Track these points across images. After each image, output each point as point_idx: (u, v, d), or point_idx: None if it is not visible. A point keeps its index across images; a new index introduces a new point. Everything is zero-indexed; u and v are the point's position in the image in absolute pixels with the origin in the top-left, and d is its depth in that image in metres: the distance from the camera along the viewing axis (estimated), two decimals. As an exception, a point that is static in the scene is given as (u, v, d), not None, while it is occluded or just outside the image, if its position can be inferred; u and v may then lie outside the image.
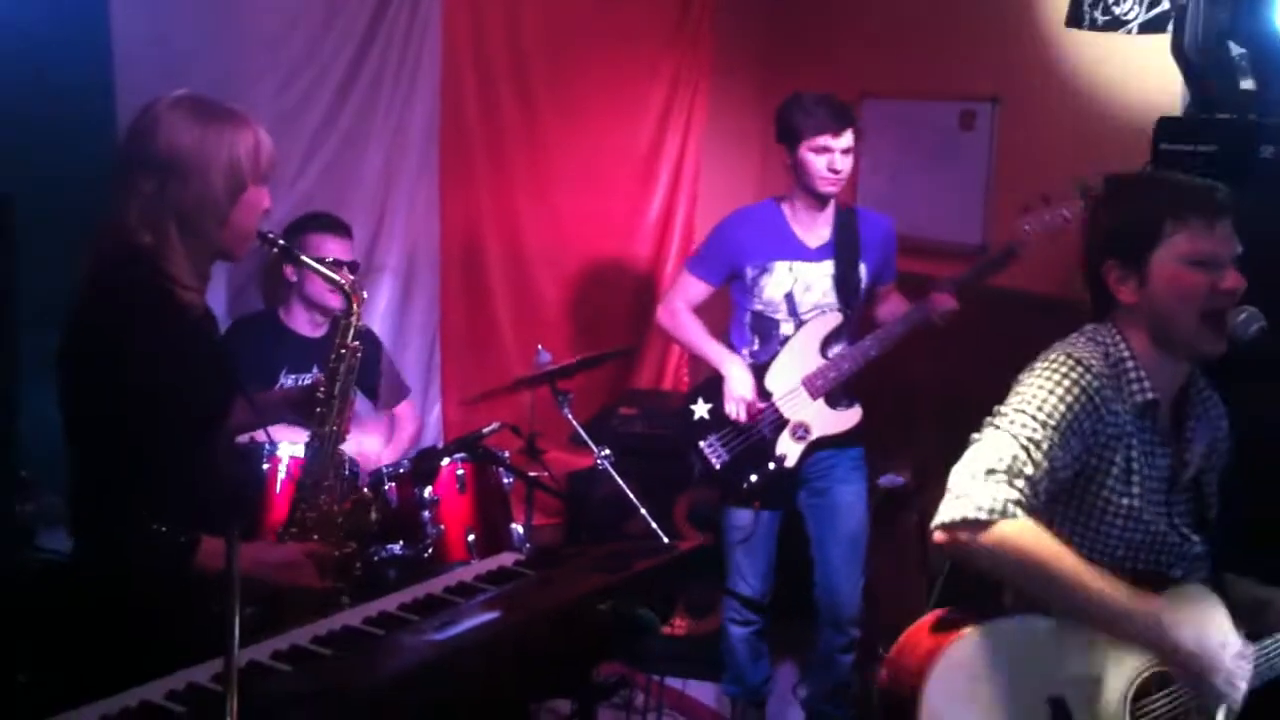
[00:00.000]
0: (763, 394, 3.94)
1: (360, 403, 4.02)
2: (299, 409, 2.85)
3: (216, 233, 2.48)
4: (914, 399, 4.66)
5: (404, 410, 4.33)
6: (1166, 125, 3.25)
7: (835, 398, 3.96)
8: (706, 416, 3.99)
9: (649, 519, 3.61)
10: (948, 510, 2.23)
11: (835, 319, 3.95)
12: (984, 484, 2.20)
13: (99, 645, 2.43)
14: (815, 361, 3.93)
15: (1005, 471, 2.21)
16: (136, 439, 2.38)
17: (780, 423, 3.93)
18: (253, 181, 2.49)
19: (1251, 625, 2.36)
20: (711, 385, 4.01)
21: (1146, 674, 2.29)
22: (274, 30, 4.30)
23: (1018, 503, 2.19)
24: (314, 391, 2.79)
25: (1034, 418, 2.25)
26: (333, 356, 2.77)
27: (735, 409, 3.90)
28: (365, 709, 1.97)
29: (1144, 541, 2.35)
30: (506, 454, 3.87)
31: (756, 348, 4.02)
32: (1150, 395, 2.33)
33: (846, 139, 3.85)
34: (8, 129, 3.43)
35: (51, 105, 3.61)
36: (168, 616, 2.37)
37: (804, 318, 3.94)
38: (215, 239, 2.49)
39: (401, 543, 3.63)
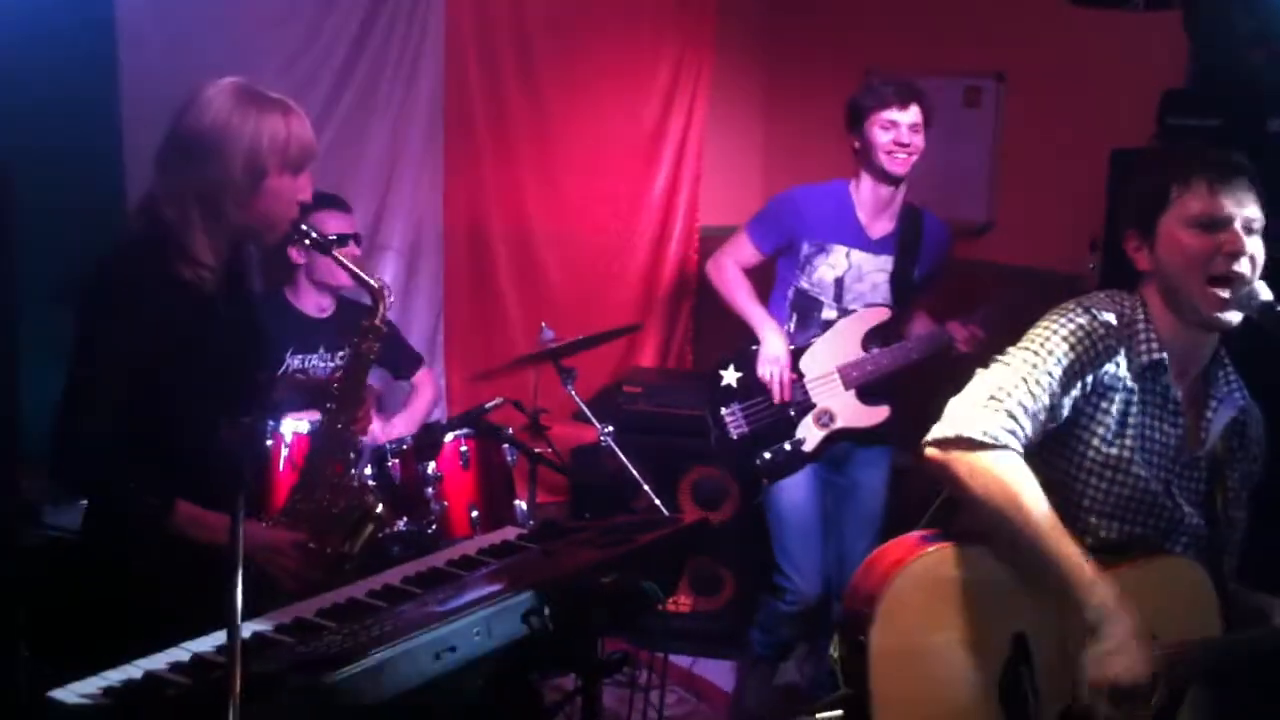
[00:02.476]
0: (795, 372, 3.88)
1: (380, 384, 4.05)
2: (312, 399, 2.86)
3: (237, 215, 2.51)
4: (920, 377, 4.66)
5: (423, 378, 4.30)
6: (1172, 99, 3.24)
7: (867, 392, 3.89)
8: (734, 385, 3.91)
9: (651, 495, 3.60)
10: (944, 427, 2.23)
11: (884, 314, 3.87)
12: (984, 410, 2.21)
13: (102, 617, 2.45)
14: (855, 352, 3.85)
15: (1005, 401, 2.22)
16: (120, 402, 2.45)
17: (806, 405, 3.87)
18: (277, 170, 2.51)
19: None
20: (744, 355, 3.92)
21: None
22: (277, 9, 4.29)
23: (1013, 434, 2.20)
24: (329, 386, 2.80)
25: (1037, 353, 2.26)
26: (349, 354, 2.80)
27: (769, 371, 3.84)
28: (369, 681, 1.97)
29: (1135, 500, 2.34)
30: (510, 430, 3.87)
31: (794, 327, 3.94)
32: (1156, 355, 2.32)
33: (913, 114, 3.76)
34: (10, 107, 3.42)
35: (54, 85, 3.60)
36: (171, 589, 2.38)
37: (848, 306, 3.88)
38: (236, 221, 2.52)
39: (405, 519, 3.63)
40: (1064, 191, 4.27)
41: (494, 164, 4.94)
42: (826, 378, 3.85)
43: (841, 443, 3.91)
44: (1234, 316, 2.28)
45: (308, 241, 2.68)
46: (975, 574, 2.25)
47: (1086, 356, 2.28)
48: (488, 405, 3.76)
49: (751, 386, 3.89)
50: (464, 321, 4.96)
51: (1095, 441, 2.33)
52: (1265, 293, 2.26)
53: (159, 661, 1.94)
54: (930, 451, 2.24)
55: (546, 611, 2.17)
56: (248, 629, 2.04)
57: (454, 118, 4.82)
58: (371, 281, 2.80)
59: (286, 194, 2.55)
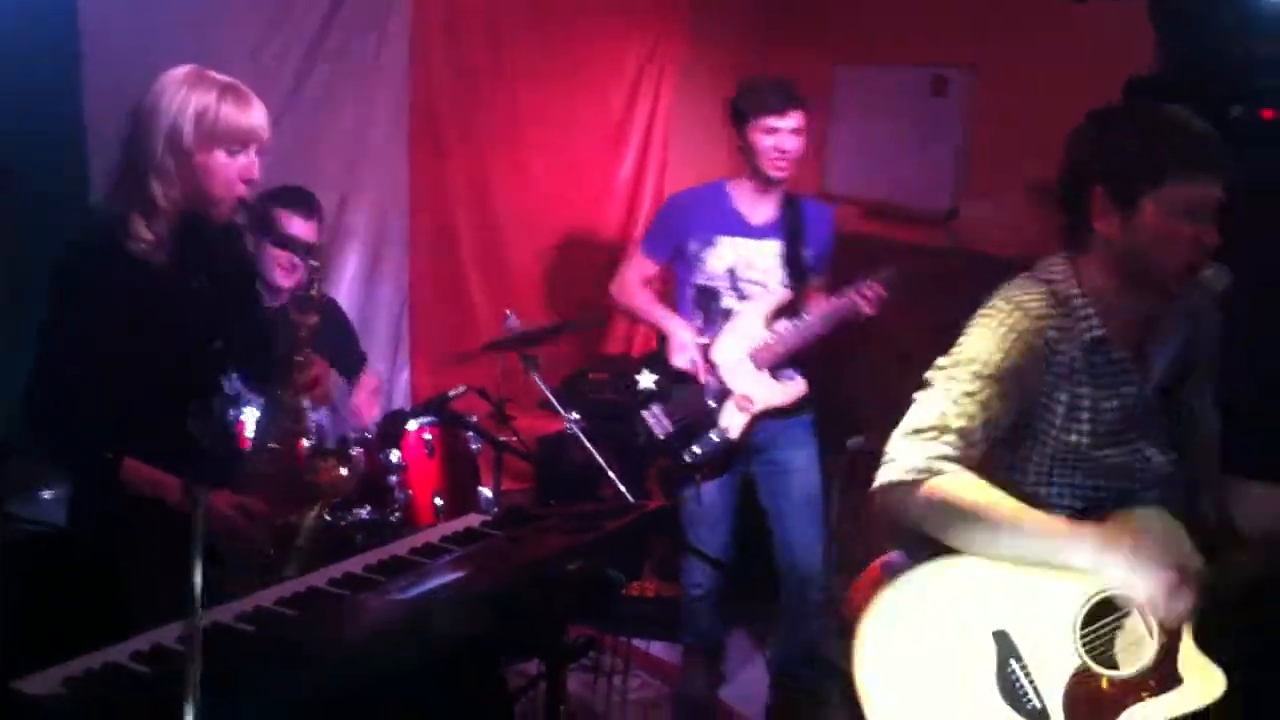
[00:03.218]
0: (708, 365, 3.95)
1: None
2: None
3: (168, 192, 2.58)
4: (862, 364, 4.68)
5: (363, 381, 4.27)
6: (1136, 86, 3.25)
7: (779, 371, 3.98)
8: (653, 386, 4.01)
9: (617, 482, 3.59)
10: (880, 475, 2.24)
11: (782, 294, 3.97)
12: (910, 445, 2.21)
13: (72, 607, 2.48)
14: (761, 335, 3.94)
15: (932, 429, 2.21)
16: (79, 370, 2.57)
17: (724, 394, 3.94)
18: (204, 147, 2.57)
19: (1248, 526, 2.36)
20: (656, 357, 4.05)
21: (1096, 599, 2.28)
22: (241, -1, 4.25)
23: (945, 457, 2.19)
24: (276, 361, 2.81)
25: (969, 369, 2.24)
26: (288, 327, 2.81)
27: (685, 359, 3.93)
28: (330, 668, 1.96)
29: (1102, 472, 2.33)
30: (475, 418, 3.86)
31: (701, 323, 4.04)
32: (1098, 332, 2.30)
33: (793, 119, 3.86)
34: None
35: (17, 76, 3.57)
36: (132, 576, 2.38)
37: (746, 293, 3.96)
38: (169, 198, 2.59)
39: (369, 508, 3.61)
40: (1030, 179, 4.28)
41: (459, 152, 4.91)
42: (739, 364, 3.94)
43: (765, 428, 3.99)
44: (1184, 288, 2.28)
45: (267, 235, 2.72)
46: (944, 588, 2.28)
47: (1024, 358, 2.25)
48: (451, 393, 3.74)
49: (669, 386, 3.99)
50: (429, 310, 4.93)
51: (1054, 431, 2.31)
52: (1228, 275, 2.26)
53: (120, 651, 1.92)
54: (882, 499, 2.24)
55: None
56: (208, 618, 2.02)
57: (419, 106, 4.79)
58: (311, 260, 2.82)
59: (222, 172, 2.60)
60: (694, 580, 4.21)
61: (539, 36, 5.01)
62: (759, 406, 3.95)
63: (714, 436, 3.94)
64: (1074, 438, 2.31)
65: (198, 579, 1.65)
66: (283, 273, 3.73)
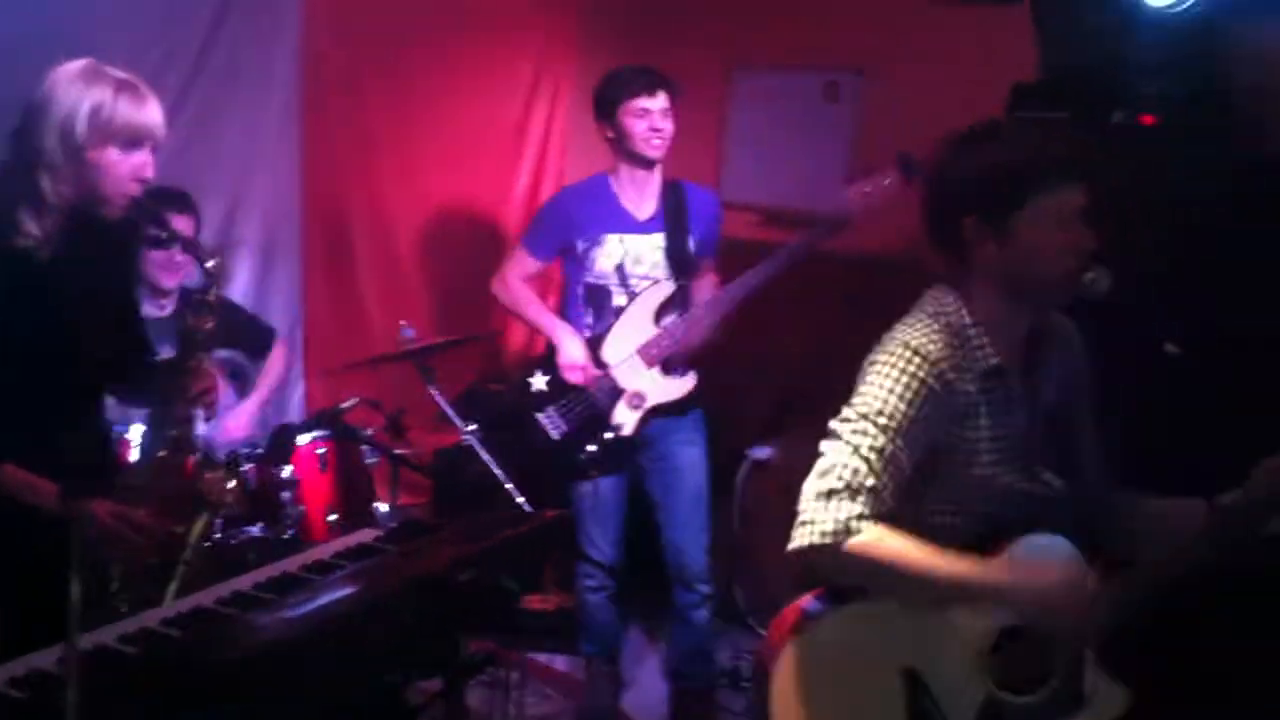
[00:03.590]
0: (599, 364, 3.96)
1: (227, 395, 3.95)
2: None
3: (58, 187, 2.53)
4: (754, 361, 4.72)
5: (275, 354, 4.20)
6: (1020, 92, 3.30)
7: (670, 366, 3.99)
8: (545, 388, 4.01)
9: (515, 493, 3.57)
10: (797, 537, 2.24)
11: (668, 288, 3.97)
12: (826, 507, 2.22)
13: None
14: (649, 331, 3.95)
15: (846, 489, 2.21)
16: None
17: (616, 392, 3.95)
18: (97, 144, 2.51)
19: (1148, 541, 2.39)
20: (548, 359, 4.03)
21: (999, 629, 2.30)
22: (129, -3, 4.15)
23: (861, 516, 2.21)
24: (156, 370, 2.75)
25: (875, 424, 2.24)
26: (184, 334, 2.74)
27: (574, 375, 3.93)
28: (218, 690, 1.91)
29: (1003, 499, 2.36)
30: (369, 431, 3.80)
31: (591, 320, 4.04)
32: (994, 361, 2.31)
33: (662, 100, 3.88)
34: None
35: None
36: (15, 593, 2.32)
37: (635, 289, 3.96)
38: (60, 193, 2.54)
39: (261, 524, 3.54)
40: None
41: (353, 160, 4.85)
42: (628, 362, 3.95)
43: (655, 424, 4.00)
44: (1070, 298, 2.32)
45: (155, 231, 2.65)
46: (851, 632, 2.30)
47: (927, 403, 2.25)
48: (343, 405, 3.68)
49: (561, 386, 3.98)
50: (323, 321, 4.86)
51: (958, 469, 2.33)
52: (1108, 277, 2.29)
53: (-4, 676, 1.86)
54: (801, 561, 2.24)
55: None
56: (89, 640, 1.96)
57: (311, 112, 4.72)
58: (208, 263, 2.76)
59: (114, 169, 2.55)
60: (587, 582, 4.21)
61: (430, 44, 4.96)
62: (650, 403, 3.96)
63: (608, 435, 3.94)
64: (976, 471, 2.33)
65: (76, 599, 1.60)
66: (166, 274, 3.66)
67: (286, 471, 3.62)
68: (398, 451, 3.72)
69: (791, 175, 4.86)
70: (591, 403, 3.96)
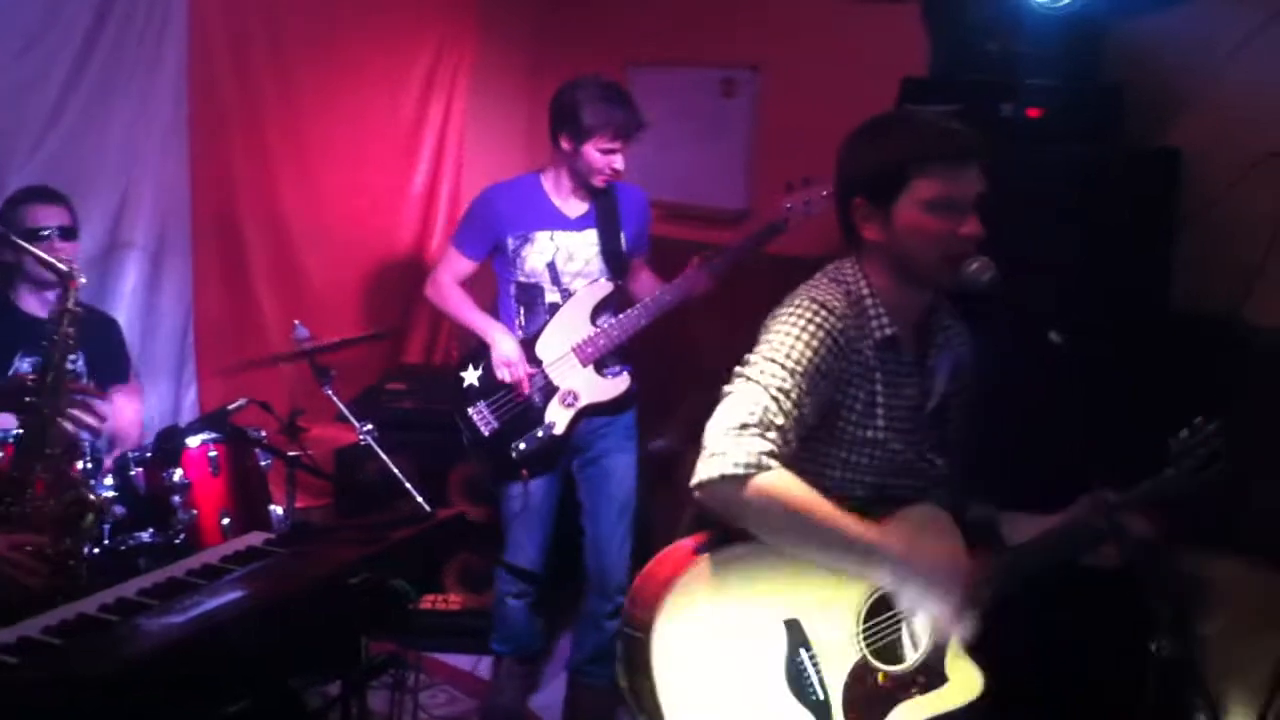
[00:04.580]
0: (533, 361, 3.93)
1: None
2: (6, 398, 2.72)
3: None
4: (688, 364, 4.72)
5: (121, 401, 4.09)
6: (911, 86, 3.34)
7: (604, 365, 3.97)
8: (476, 384, 3.97)
9: (414, 493, 3.53)
10: (705, 468, 2.24)
11: (605, 288, 3.96)
12: (738, 439, 2.22)
13: None
14: (585, 330, 3.93)
15: (758, 424, 2.22)
16: None
17: (550, 390, 3.93)
18: None
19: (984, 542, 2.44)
20: (481, 353, 3.99)
21: (876, 595, 2.36)
22: (8, -4, 4.04)
23: (772, 454, 2.22)
24: (24, 381, 2.67)
25: (783, 366, 2.27)
26: (46, 343, 2.67)
27: (504, 373, 3.88)
28: (103, 698, 1.87)
29: (894, 468, 2.41)
30: (263, 433, 3.73)
31: (524, 319, 4.01)
32: (889, 330, 2.37)
33: (626, 143, 3.86)
34: None
35: None
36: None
37: (568, 286, 3.94)
38: None
39: (151, 530, 3.45)
40: (817, 179, 4.36)
41: (244, 157, 4.76)
42: (563, 360, 3.93)
43: (590, 425, 4.00)
44: (955, 280, 2.36)
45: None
46: (736, 577, 2.30)
47: (829, 354, 2.30)
48: (230, 407, 3.61)
49: (494, 382, 3.95)
50: (216, 321, 4.75)
51: (851, 427, 2.37)
52: (991, 268, 2.33)
53: None
54: (700, 494, 2.25)
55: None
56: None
57: (200, 110, 4.61)
58: (59, 265, 2.70)
59: None
60: (507, 587, 4.18)
61: (324, 38, 4.88)
62: (584, 402, 3.94)
63: (539, 433, 3.92)
64: (869, 433, 2.37)
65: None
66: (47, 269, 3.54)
67: (177, 475, 3.54)
68: (293, 453, 3.65)
69: (690, 171, 4.87)
70: (524, 400, 3.92)
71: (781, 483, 2.22)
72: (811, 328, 2.31)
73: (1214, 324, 3.43)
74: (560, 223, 3.95)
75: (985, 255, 2.34)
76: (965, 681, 2.39)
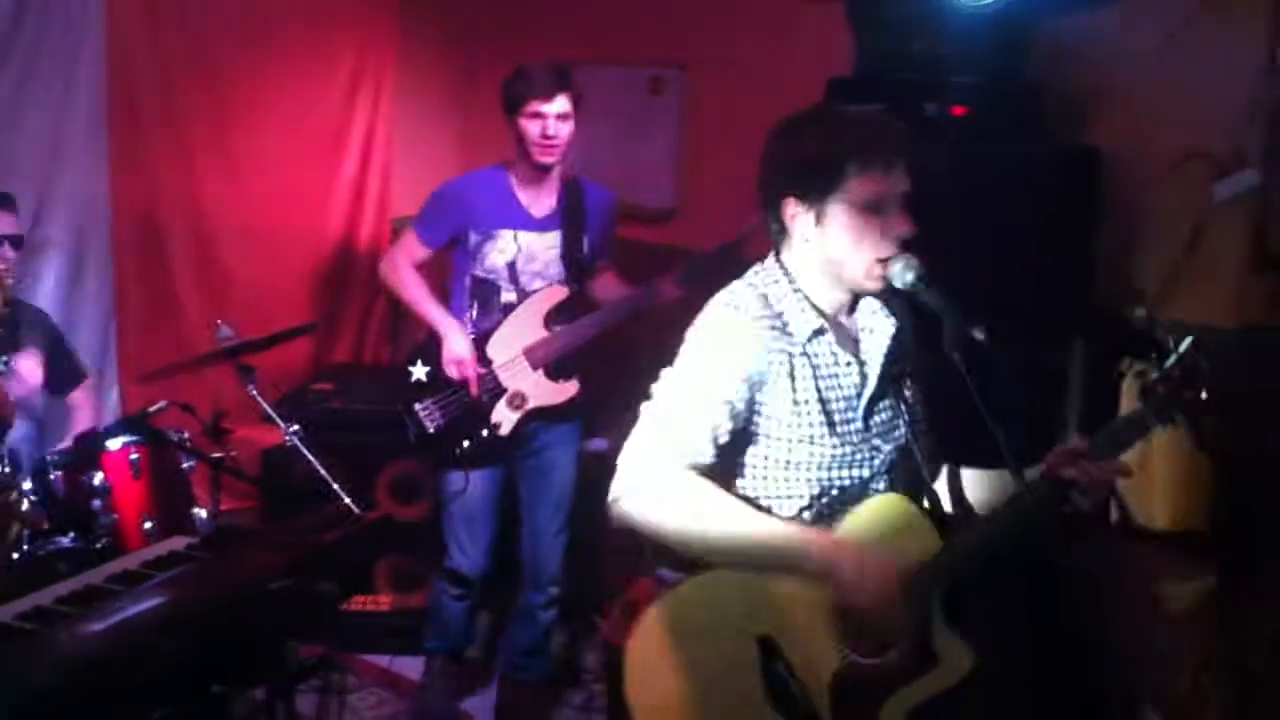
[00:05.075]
0: (483, 361, 3.89)
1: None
2: None
3: None
4: (627, 366, 4.72)
5: (80, 399, 4.05)
6: (837, 85, 3.36)
7: (554, 370, 3.93)
8: (424, 379, 3.91)
9: (342, 494, 3.49)
10: (617, 487, 2.24)
11: (562, 292, 3.91)
12: (654, 456, 2.23)
13: None
14: (538, 333, 3.89)
15: (666, 440, 2.23)
16: None
17: (498, 391, 3.89)
18: None
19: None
20: (430, 347, 3.93)
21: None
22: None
23: (690, 467, 2.22)
24: None
25: (695, 377, 2.27)
26: None
27: (454, 370, 3.85)
28: (22, 711, 1.83)
29: (835, 461, 2.38)
30: (186, 435, 3.67)
31: (476, 315, 3.95)
32: (815, 324, 2.36)
33: (560, 104, 3.77)
34: None
35: None
36: None
37: (525, 287, 3.90)
38: None
39: (72, 534, 3.38)
40: (745, 177, 4.36)
41: (165, 156, 4.70)
42: (514, 361, 3.89)
43: (534, 428, 3.96)
44: (883, 284, 2.35)
45: None
46: (704, 602, 2.32)
47: (746, 357, 2.29)
48: (150, 410, 3.55)
49: (442, 379, 3.90)
50: (138, 322, 4.69)
51: (780, 428, 2.35)
52: (914, 266, 2.34)
53: None
54: (615, 515, 2.25)
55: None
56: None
57: (120, 108, 4.55)
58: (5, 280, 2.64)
59: None
60: (449, 588, 4.12)
61: (245, 38, 4.83)
62: (531, 405, 3.90)
63: (485, 433, 3.88)
64: (801, 430, 2.35)
65: None
66: None
67: (97, 479, 3.47)
68: (216, 455, 3.60)
69: (619, 169, 4.87)
70: (471, 399, 3.88)
71: (692, 494, 2.21)
72: (722, 334, 2.31)
73: (1134, 320, 3.49)
74: (525, 222, 3.90)
75: (909, 253, 2.35)
76: (956, 659, 2.35)
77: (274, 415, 3.72)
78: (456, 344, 3.86)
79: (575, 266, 3.93)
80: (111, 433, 3.55)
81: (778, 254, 2.44)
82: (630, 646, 2.27)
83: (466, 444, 3.87)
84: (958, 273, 2.67)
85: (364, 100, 5.28)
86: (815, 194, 2.31)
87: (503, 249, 3.88)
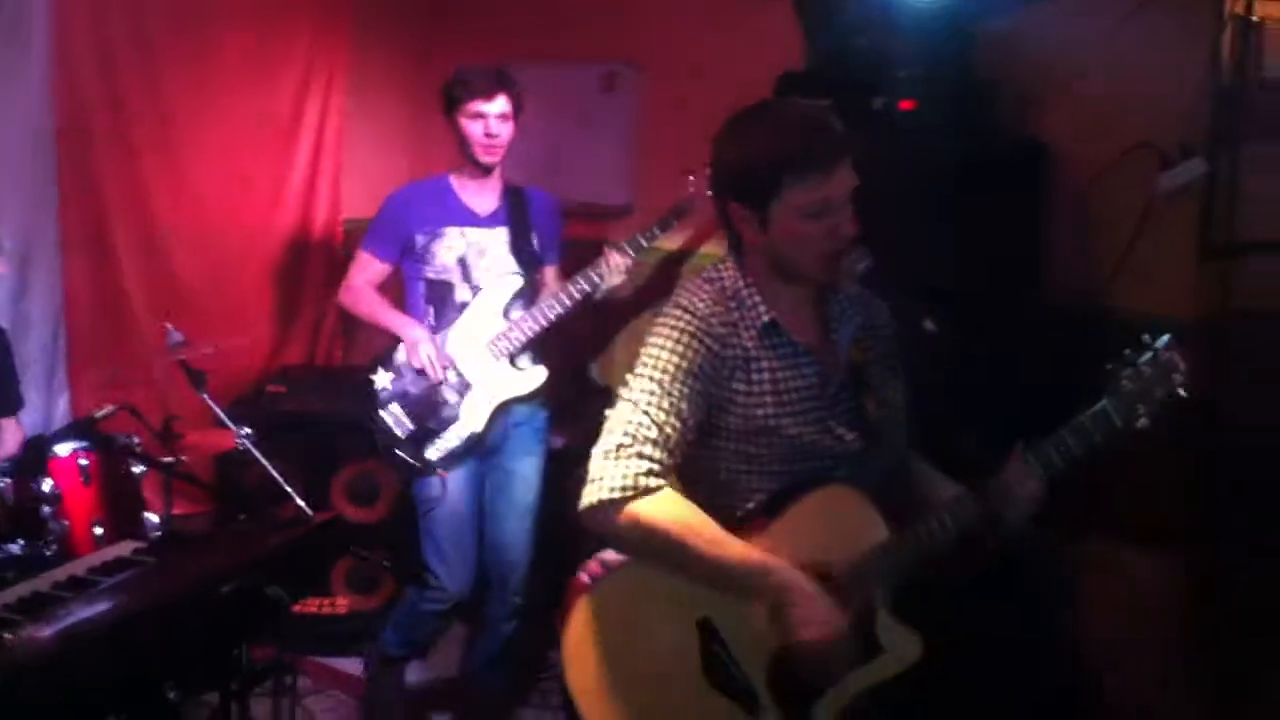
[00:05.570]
0: (446, 358, 3.88)
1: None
2: None
3: None
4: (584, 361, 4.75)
5: (6, 424, 3.96)
6: (786, 80, 3.37)
7: (519, 359, 3.94)
8: (389, 386, 3.91)
9: (296, 497, 3.46)
10: (586, 495, 2.25)
11: (516, 282, 3.93)
12: (615, 463, 2.24)
13: None
14: (498, 324, 3.90)
15: (632, 444, 2.24)
16: None
17: (464, 387, 3.89)
18: None
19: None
20: (389, 356, 3.93)
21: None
22: None
23: (650, 472, 2.23)
24: None
25: (651, 379, 2.29)
26: None
27: (423, 354, 3.84)
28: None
29: (794, 452, 2.39)
30: (136, 440, 3.63)
31: (434, 319, 3.95)
32: (768, 317, 2.37)
33: (500, 104, 3.81)
34: None
35: None
36: None
37: (479, 283, 3.91)
38: None
39: (21, 542, 3.33)
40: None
41: (113, 160, 4.61)
42: (478, 355, 3.89)
43: (505, 424, 3.96)
44: (838, 276, 2.38)
45: None
46: (645, 585, 2.32)
47: (699, 356, 2.31)
48: (97, 414, 3.50)
49: (405, 384, 3.90)
50: (87, 328, 4.61)
51: (737, 421, 2.37)
52: (866, 257, 2.36)
53: None
54: (589, 520, 2.26)
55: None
56: None
57: (66, 111, 4.47)
58: None
59: None
60: (429, 595, 4.01)
61: (191, 37, 4.76)
62: (501, 398, 3.90)
63: (456, 431, 3.87)
64: (758, 422, 2.36)
65: None
66: None
67: (46, 485, 3.42)
68: (167, 460, 3.56)
69: (574, 167, 4.86)
70: (438, 399, 3.88)
71: (659, 509, 2.23)
72: (676, 334, 2.33)
73: (1083, 310, 3.52)
74: (470, 219, 3.92)
75: (859, 246, 2.36)
76: (903, 647, 2.37)
77: (225, 420, 3.69)
78: (414, 332, 3.87)
79: (528, 259, 3.94)
80: (59, 438, 3.50)
81: (735, 248, 2.46)
82: (569, 631, 2.28)
83: (440, 443, 3.86)
84: (907, 266, 2.70)
85: (315, 97, 5.22)
86: (756, 201, 2.33)
87: (451, 245, 3.89)
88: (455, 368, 3.88)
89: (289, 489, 3.53)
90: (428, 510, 3.93)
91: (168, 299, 4.78)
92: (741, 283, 2.41)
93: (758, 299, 2.39)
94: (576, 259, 4.05)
